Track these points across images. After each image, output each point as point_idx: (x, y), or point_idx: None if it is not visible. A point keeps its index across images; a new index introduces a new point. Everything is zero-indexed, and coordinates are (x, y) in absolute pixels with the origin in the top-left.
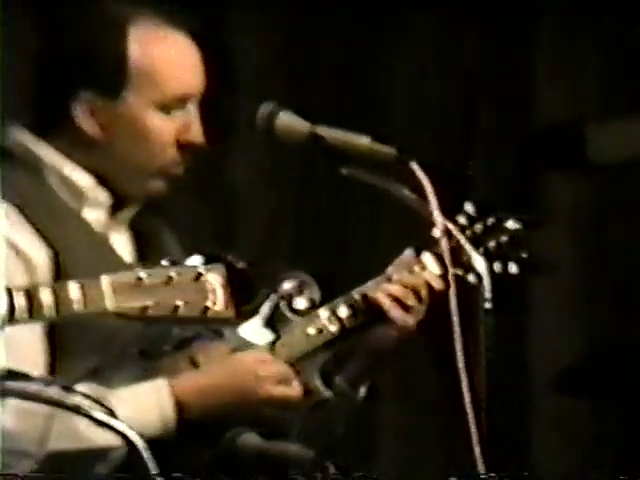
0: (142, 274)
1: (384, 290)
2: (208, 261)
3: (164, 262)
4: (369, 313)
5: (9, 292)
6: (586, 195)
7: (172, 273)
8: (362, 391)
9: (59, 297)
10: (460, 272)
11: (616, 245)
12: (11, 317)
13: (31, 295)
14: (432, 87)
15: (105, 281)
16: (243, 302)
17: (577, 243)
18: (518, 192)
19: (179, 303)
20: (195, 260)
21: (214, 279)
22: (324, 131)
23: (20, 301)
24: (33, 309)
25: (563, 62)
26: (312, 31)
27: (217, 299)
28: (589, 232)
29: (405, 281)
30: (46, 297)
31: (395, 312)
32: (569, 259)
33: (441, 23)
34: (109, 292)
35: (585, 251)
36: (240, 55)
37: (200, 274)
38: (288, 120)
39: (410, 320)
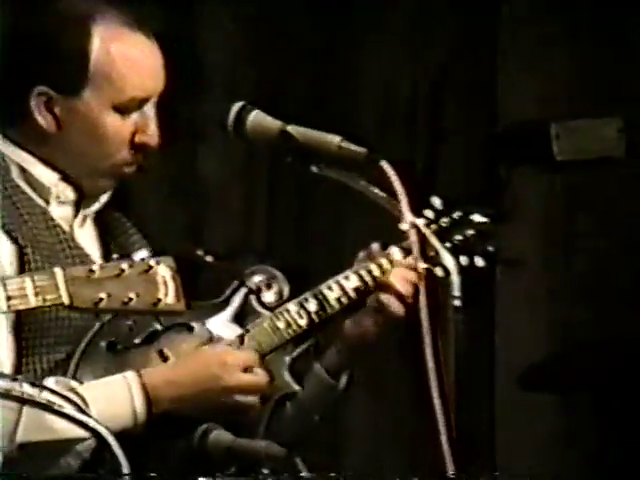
0: (94, 267)
1: (397, 273)
2: (157, 255)
3: (115, 256)
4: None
5: None
6: (552, 191)
7: (123, 266)
8: (343, 381)
9: (14, 291)
10: (428, 266)
11: (582, 240)
12: None
13: None
14: (401, 86)
15: (59, 274)
16: (210, 294)
17: (543, 238)
18: (485, 188)
19: (131, 295)
20: (143, 254)
21: (164, 271)
22: (294, 130)
23: None
24: None
25: (530, 60)
26: (282, 31)
27: (168, 291)
28: (555, 227)
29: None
30: (0, 291)
31: (391, 298)
32: (536, 254)
33: (409, 22)
34: (63, 285)
35: (551, 246)
36: (211, 54)
37: (150, 267)
38: (259, 119)
39: (400, 308)
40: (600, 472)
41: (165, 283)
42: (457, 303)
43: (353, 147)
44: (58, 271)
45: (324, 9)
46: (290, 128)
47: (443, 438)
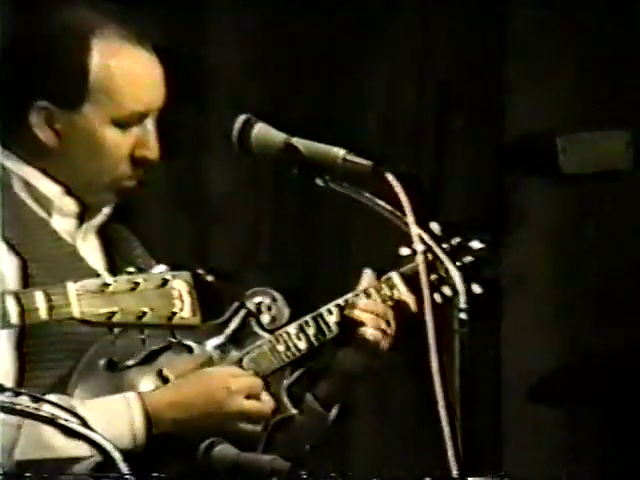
0: (108, 280)
1: (358, 307)
2: (174, 269)
3: (130, 269)
4: (341, 330)
5: None
6: (558, 204)
7: (138, 279)
8: (333, 412)
9: (25, 305)
10: (434, 290)
11: (590, 253)
12: None
13: None
14: (406, 99)
15: (71, 288)
16: (210, 314)
17: (551, 251)
18: (491, 201)
19: (145, 309)
20: (161, 268)
21: (180, 285)
22: (299, 142)
23: None
24: None
25: (537, 73)
26: (287, 43)
27: (183, 305)
28: (562, 241)
29: (373, 301)
30: (11, 305)
31: (370, 330)
32: (543, 267)
33: (415, 36)
34: (74, 299)
35: (559, 259)
36: (216, 67)
37: (166, 280)
38: (264, 132)
39: (383, 339)
40: None
41: (180, 297)
42: (463, 316)
43: (358, 160)
44: (70, 284)
45: (328, 21)
46: (295, 140)
47: (449, 450)
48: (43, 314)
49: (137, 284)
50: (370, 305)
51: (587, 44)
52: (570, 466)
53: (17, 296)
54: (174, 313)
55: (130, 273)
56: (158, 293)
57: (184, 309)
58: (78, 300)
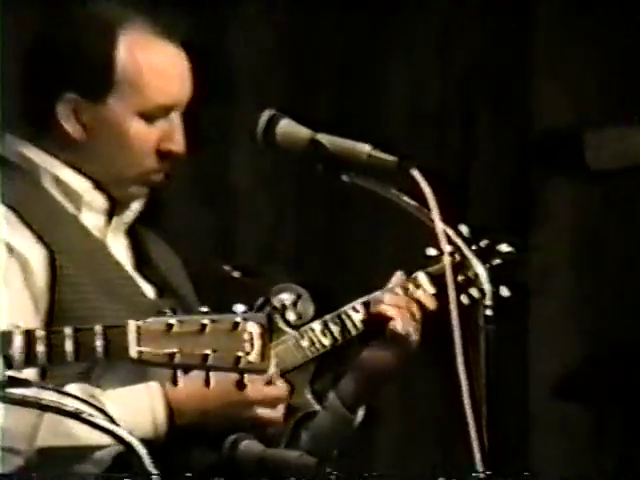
0: (172, 321)
1: (385, 302)
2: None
3: (204, 309)
4: (368, 326)
5: (27, 335)
6: (584, 200)
7: (206, 321)
8: (359, 415)
9: (81, 344)
10: (461, 291)
11: (615, 249)
12: (28, 361)
13: (52, 341)
14: (431, 94)
15: (132, 327)
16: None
17: (576, 247)
18: (516, 198)
19: (207, 352)
20: (239, 308)
21: (253, 328)
22: (325, 138)
23: (40, 347)
24: (52, 354)
25: (562, 69)
26: (312, 38)
27: (253, 349)
28: (588, 237)
29: (400, 296)
30: (68, 344)
31: (400, 323)
32: (568, 264)
33: (440, 29)
34: (134, 338)
35: (585, 255)
36: (242, 63)
37: (237, 323)
38: (289, 127)
39: (413, 333)
40: None
41: (251, 340)
42: (489, 313)
43: (383, 155)
44: (131, 323)
45: (354, 16)
46: (320, 136)
47: (475, 445)
48: (99, 352)
49: (204, 326)
50: (397, 300)
51: (614, 39)
52: (596, 462)
53: (75, 334)
54: (239, 357)
55: (199, 313)
56: (226, 335)
57: (253, 352)
58: (137, 339)
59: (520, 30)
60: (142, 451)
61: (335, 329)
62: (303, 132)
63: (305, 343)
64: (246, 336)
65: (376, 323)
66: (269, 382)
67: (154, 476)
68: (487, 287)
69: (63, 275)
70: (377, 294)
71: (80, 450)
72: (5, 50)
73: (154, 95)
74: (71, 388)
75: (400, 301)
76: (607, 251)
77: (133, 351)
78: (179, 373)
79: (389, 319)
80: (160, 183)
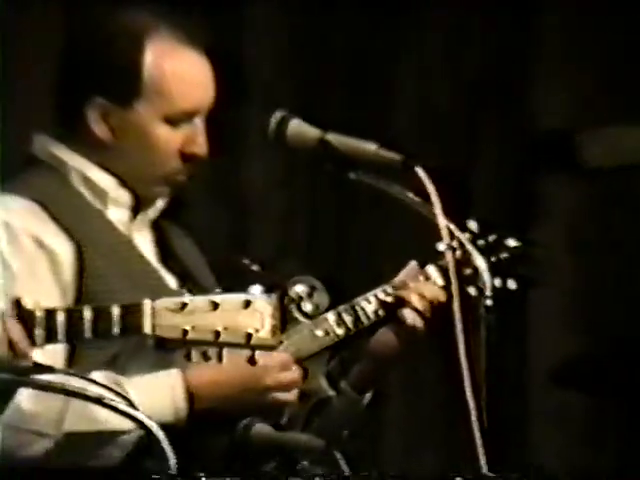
0: (186, 299)
1: (399, 290)
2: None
3: (217, 290)
4: (379, 316)
5: (48, 312)
6: (583, 198)
7: (218, 299)
8: (367, 397)
9: (99, 321)
10: (464, 283)
11: (614, 245)
12: (49, 337)
13: (72, 316)
14: (436, 93)
15: (147, 306)
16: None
17: (576, 243)
18: (517, 196)
19: (219, 328)
20: (256, 290)
21: (263, 307)
22: (333, 138)
23: (60, 325)
24: (72, 331)
25: (562, 70)
26: (321, 40)
27: (263, 325)
28: (585, 234)
29: (414, 288)
30: (87, 321)
31: (408, 312)
32: (568, 258)
33: (447, 32)
34: (149, 315)
35: (583, 250)
36: (253, 66)
37: (249, 301)
38: (299, 127)
39: (420, 322)
40: (631, 472)
41: (261, 318)
42: (489, 303)
43: (389, 154)
44: (147, 302)
45: (362, 19)
46: (329, 136)
47: (476, 434)
48: (115, 329)
49: (217, 305)
50: (417, 287)
51: (611, 40)
52: (595, 452)
53: (93, 311)
54: (250, 334)
55: (213, 293)
56: (239, 313)
57: (263, 329)
58: (152, 317)
59: (522, 32)
60: (161, 435)
61: (348, 319)
62: (313, 132)
63: (320, 333)
64: (257, 314)
65: (388, 311)
66: (285, 368)
67: (172, 460)
68: (486, 278)
69: (90, 267)
70: (388, 286)
71: (105, 434)
72: (40, 52)
73: (179, 101)
74: (96, 375)
75: (420, 289)
76: (607, 246)
77: (148, 327)
78: (197, 358)
79: (405, 303)
80: (183, 183)
